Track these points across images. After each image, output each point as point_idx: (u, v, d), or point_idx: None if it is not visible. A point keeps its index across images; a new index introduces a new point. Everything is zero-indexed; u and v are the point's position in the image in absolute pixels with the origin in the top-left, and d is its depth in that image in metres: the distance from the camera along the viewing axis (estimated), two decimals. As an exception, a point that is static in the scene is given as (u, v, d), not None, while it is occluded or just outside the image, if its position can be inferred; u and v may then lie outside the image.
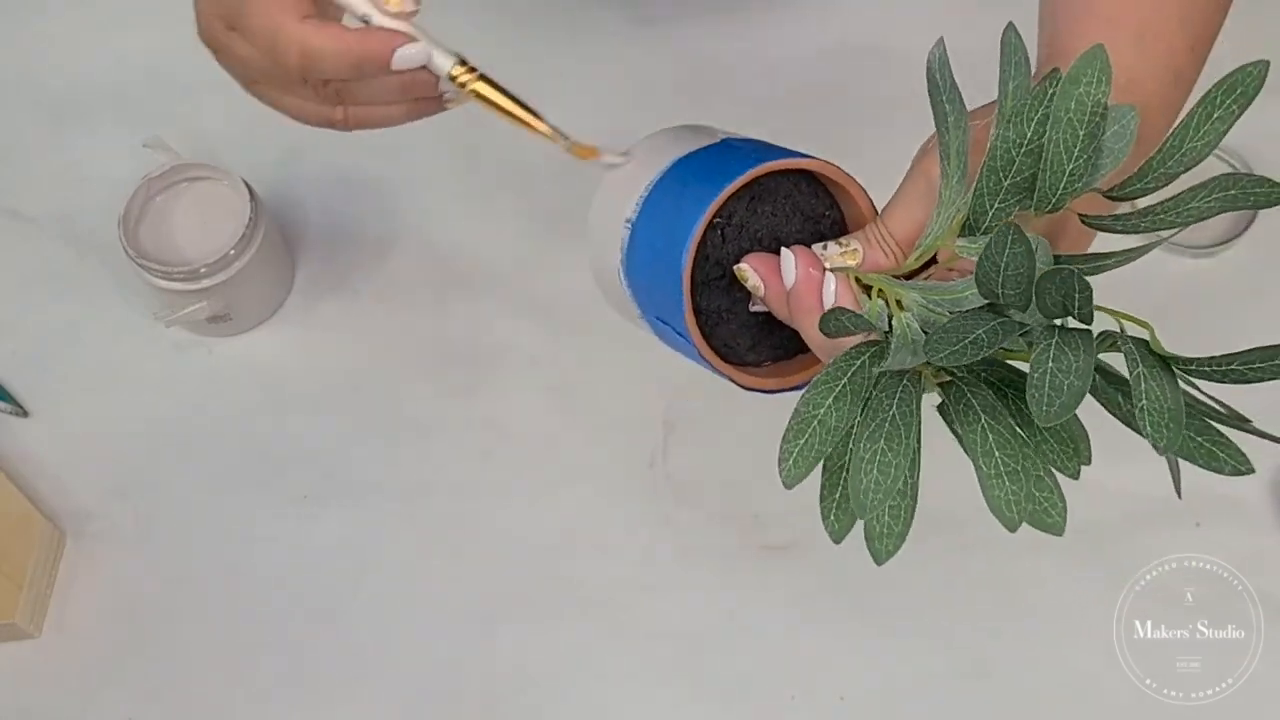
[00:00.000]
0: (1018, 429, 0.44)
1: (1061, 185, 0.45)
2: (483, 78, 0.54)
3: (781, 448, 0.46)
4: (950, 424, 0.47)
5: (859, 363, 0.46)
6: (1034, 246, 0.41)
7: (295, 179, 0.84)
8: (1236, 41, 0.87)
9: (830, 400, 0.45)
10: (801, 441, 0.45)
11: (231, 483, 0.78)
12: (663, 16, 0.88)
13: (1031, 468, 0.44)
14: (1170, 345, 0.83)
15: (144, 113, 0.85)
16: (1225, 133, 0.44)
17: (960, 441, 0.47)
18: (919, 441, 0.45)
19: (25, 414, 0.79)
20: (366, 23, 0.53)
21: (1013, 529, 0.43)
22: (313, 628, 0.74)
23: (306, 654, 0.74)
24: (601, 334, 0.79)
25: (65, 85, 0.87)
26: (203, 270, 0.74)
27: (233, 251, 0.74)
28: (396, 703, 0.73)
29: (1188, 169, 0.45)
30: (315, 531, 0.76)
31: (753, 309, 0.54)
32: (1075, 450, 0.46)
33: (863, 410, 0.45)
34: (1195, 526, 0.75)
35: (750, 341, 0.55)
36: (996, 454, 0.44)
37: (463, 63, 0.54)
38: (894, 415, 0.44)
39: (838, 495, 0.47)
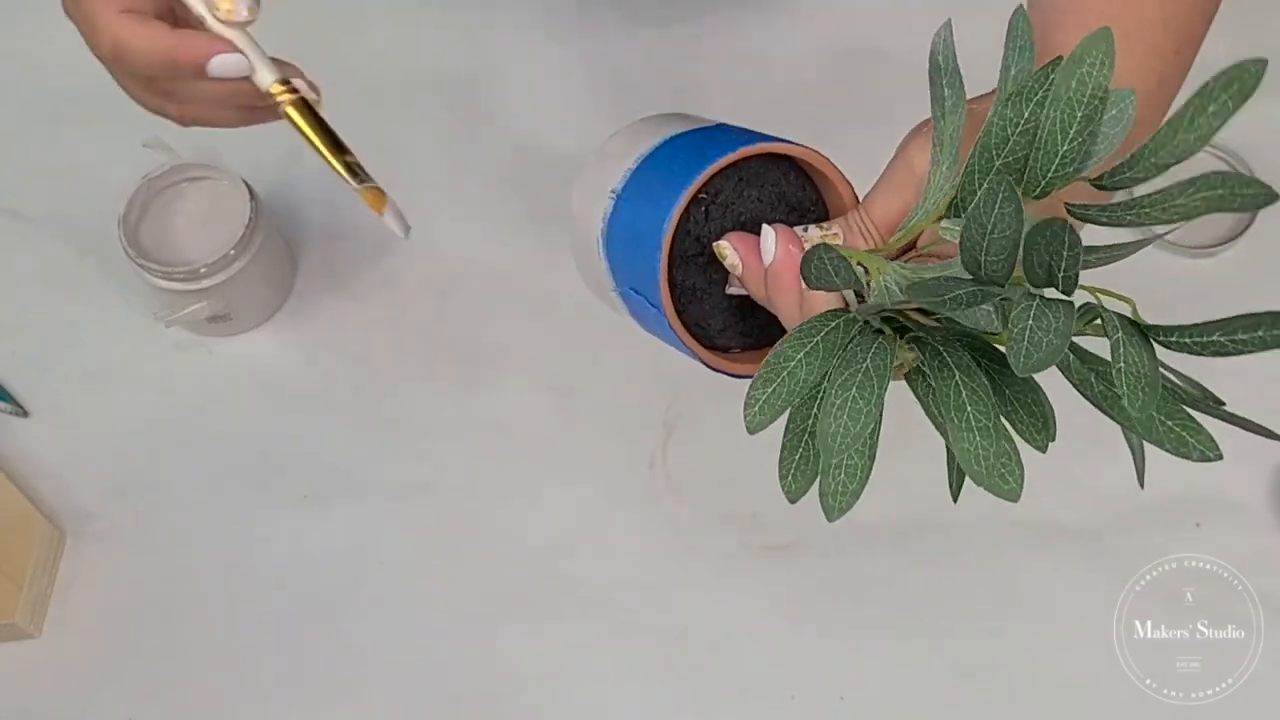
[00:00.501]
0: (991, 391, 0.44)
1: (1054, 169, 0.45)
2: (300, 103, 0.54)
3: (748, 395, 0.47)
4: (919, 388, 0.47)
5: (834, 324, 0.46)
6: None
7: (295, 179, 0.84)
8: (1234, 40, 0.87)
9: (802, 355, 0.46)
10: (769, 390, 0.46)
11: (231, 483, 0.78)
12: (660, 17, 0.88)
13: (1000, 430, 0.44)
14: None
15: (144, 113, 0.85)
16: (1218, 128, 0.44)
17: (927, 405, 0.46)
18: (874, 435, 0.46)
19: (25, 414, 0.79)
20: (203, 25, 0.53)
21: (980, 483, 0.43)
22: (313, 628, 0.74)
23: (306, 654, 0.74)
24: (602, 334, 0.79)
25: (65, 85, 0.87)
26: (203, 270, 0.74)
27: (233, 251, 0.74)
28: (396, 703, 0.73)
29: (1179, 160, 0.45)
30: (315, 531, 0.76)
31: (729, 291, 0.55)
32: (1044, 423, 0.46)
33: (836, 361, 0.45)
34: (1195, 526, 0.75)
35: (721, 324, 0.56)
36: (969, 409, 0.44)
37: (285, 82, 0.54)
38: (867, 366, 0.45)
39: (798, 456, 0.48)
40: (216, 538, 0.76)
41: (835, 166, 0.54)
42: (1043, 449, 0.45)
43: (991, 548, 0.75)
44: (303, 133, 0.54)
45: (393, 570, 0.75)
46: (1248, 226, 0.81)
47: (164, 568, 0.76)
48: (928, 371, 0.45)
